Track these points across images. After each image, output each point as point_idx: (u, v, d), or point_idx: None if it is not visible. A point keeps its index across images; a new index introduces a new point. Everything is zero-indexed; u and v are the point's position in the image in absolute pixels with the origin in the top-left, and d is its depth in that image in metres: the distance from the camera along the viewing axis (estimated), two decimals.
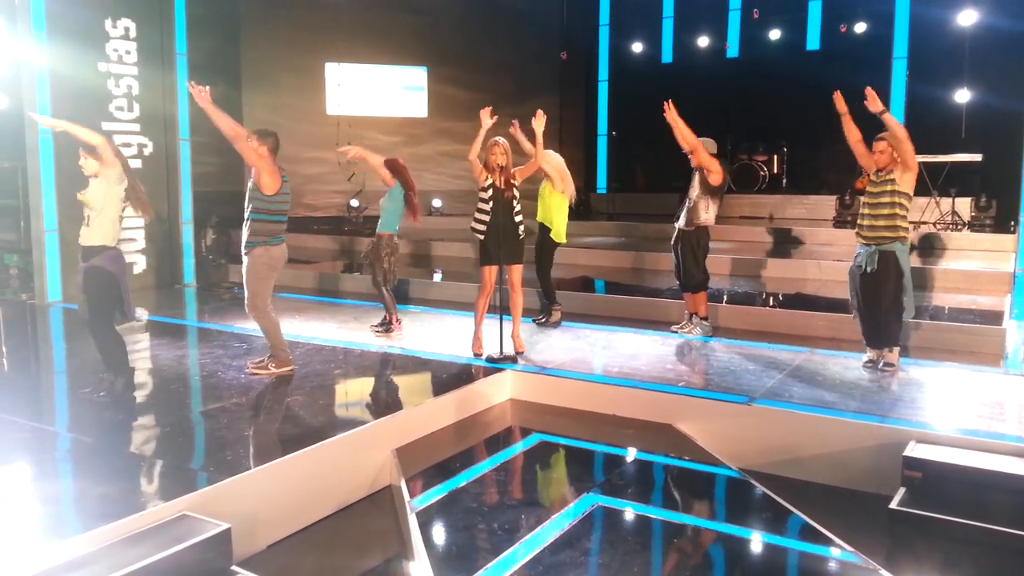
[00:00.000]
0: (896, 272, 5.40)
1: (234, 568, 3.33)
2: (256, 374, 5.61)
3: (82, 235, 5.02)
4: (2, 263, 10.51)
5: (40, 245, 8.57)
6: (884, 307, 5.48)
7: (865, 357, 5.78)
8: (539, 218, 7.19)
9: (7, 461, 4.14)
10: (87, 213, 5.01)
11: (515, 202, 5.95)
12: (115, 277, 5.08)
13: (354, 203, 13.18)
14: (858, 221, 5.60)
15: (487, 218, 5.90)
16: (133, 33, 9.20)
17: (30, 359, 6.87)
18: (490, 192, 5.89)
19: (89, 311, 5.09)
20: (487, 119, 5.82)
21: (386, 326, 6.90)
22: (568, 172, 7.14)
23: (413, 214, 6.83)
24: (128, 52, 9.19)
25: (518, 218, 5.98)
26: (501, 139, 5.88)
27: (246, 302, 5.50)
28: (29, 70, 8.38)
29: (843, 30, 13.26)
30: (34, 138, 8.42)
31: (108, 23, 8.97)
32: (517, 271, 6.07)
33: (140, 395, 5.36)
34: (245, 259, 5.43)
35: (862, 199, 5.64)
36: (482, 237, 5.95)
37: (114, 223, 5.06)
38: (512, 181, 5.92)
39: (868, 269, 5.44)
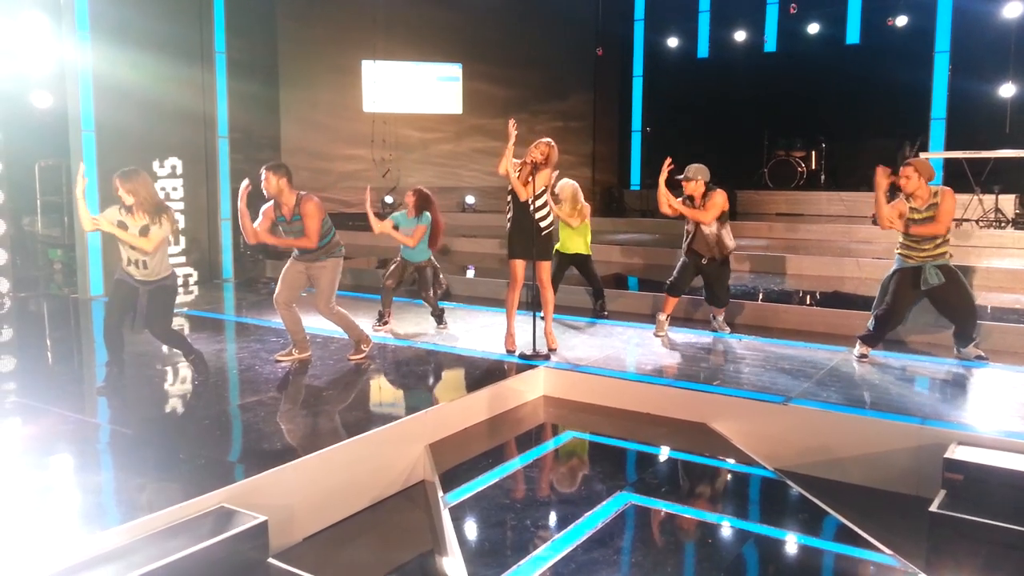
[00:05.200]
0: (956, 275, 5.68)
1: (270, 560, 3.37)
2: (358, 359, 5.96)
3: (141, 274, 5.23)
4: (46, 258, 10.76)
5: (83, 241, 8.75)
6: (966, 308, 5.74)
7: (858, 351, 5.90)
8: (576, 249, 7.50)
9: (50, 452, 4.24)
10: (141, 258, 5.19)
11: (534, 199, 5.92)
12: (175, 291, 5.54)
13: (388, 199, 13.26)
14: (909, 241, 5.70)
15: (509, 213, 5.97)
16: (180, 170, 9.46)
17: (73, 352, 7.02)
18: (511, 186, 5.90)
19: (161, 322, 5.42)
20: (512, 131, 5.76)
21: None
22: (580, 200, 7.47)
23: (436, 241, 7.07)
24: (175, 188, 9.44)
25: (538, 215, 5.89)
26: (547, 140, 5.87)
27: (326, 303, 5.85)
28: (72, 69, 8.55)
29: (890, 23, 13.00)
30: (77, 137, 8.59)
31: (156, 163, 9.21)
32: (545, 268, 6.06)
33: (179, 389, 5.45)
34: (323, 265, 5.76)
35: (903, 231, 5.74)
36: (508, 230, 6.03)
37: (166, 253, 5.42)
38: (529, 178, 5.81)
39: (934, 283, 5.57)
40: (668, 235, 11.71)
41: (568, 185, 7.37)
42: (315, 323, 6.49)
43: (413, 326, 7.13)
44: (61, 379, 5.89)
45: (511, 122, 5.77)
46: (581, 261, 7.60)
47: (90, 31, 8.50)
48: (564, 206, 7.32)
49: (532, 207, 5.85)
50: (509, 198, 5.96)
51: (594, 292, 7.85)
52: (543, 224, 5.96)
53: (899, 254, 5.80)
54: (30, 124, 9.91)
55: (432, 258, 7.09)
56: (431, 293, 7.01)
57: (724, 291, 6.83)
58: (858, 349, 5.89)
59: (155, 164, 9.23)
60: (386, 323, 7.07)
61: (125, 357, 5.46)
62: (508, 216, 6.02)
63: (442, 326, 7.07)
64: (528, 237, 5.87)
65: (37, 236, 10.92)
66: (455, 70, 14.88)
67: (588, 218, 7.50)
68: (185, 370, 5.80)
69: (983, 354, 5.79)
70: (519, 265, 6.00)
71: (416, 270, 7.04)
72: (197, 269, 9.79)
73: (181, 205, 9.53)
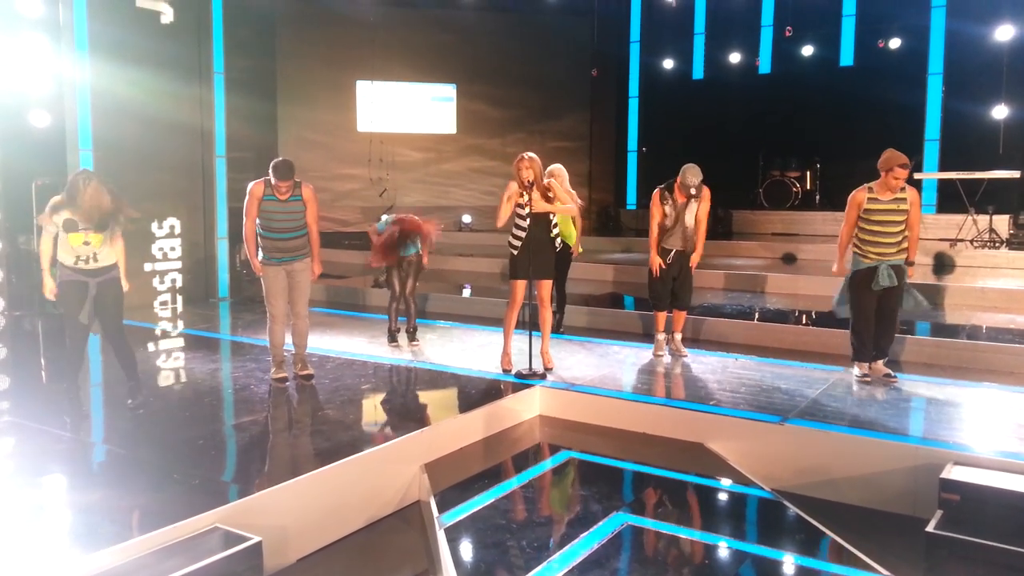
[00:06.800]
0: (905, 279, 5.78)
1: None
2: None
3: (90, 266, 5.14)
4: (42, 277, 10.74)
5: None
6: (897, 315, 5.84)
7: (858, 372, 5.91)
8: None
9: (44, 471, 4.22)
10: (91, 252, 5.12)
11: (551, 216, 5.94)
12: (120, 283, 5.36)
13: (385, 217, 13.28)
14: (874, 240, 5.68)
15: (523, 234, 5.87)
16: (178, 230, 9.51)
17: (67, 371, 6.97)
18: (527, 209, 5.86)
19: (115, 319, 5.32)
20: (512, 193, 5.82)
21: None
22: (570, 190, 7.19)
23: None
24: (173, 248, 9.47)
25: (554, 232, 5.98)
26: (528, 154, 5.83)
27: (307, 305, 5.94)
28: (71, 88, 8.57)
29: (880, 45, 13.15)
30: (75, 156, 8.59)
31: (155, 224, 9.25)
32: (546, 287, 6.05)
33: (174, 408, 5.42)
34: (304, 266, 5.82)
35: (868, 224, 5.71)
36: (515, 252, 5.94)
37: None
38: (549, 194, 5.87)
39: (885, 284, 5.63)
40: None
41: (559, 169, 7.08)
42: (314, 343, 6.48)
43: (408, 345, 7.11)
44: (55, 398, 5.86)
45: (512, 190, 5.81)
46: (562, 252, 7.14)
47: (89, 50, 8.53)
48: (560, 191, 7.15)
49: (551, 223, 5.92)
50: (525, 222, 5.84)
51: (556, 299, 7.42)
52: (556, 241, 6.04)
53: (856, 254, 5.78)
54: (28, 143, 9.90)
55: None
56: (414, 287, 7.15)
57: (690, 289, 6.68)
58: (856, 370, 5.89)
59: (153, 225, 9.24)
60: (396, 343, 7.11)
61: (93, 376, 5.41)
62: (516, 236, 5.92)
63: (414, 343, 7.10)
64: (537, 257, 5.87)
65: (33, 255, 10.90)
66: (449, 90, 14.97)
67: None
68: (180, 389, 5.78)
69: (892, 373, 5.83)
70: (522, 285, 5.97)
71: (408, 262, 7.12)
72: (192, 287, 9.76)
73: (179, 264, 9.53)
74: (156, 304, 9.25)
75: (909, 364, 6.47)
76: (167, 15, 9.14)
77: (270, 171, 5.58)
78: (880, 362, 5.85)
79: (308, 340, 6.04)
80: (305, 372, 5.95)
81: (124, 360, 5.41)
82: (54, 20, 8.69)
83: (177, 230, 9.51)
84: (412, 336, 7.14)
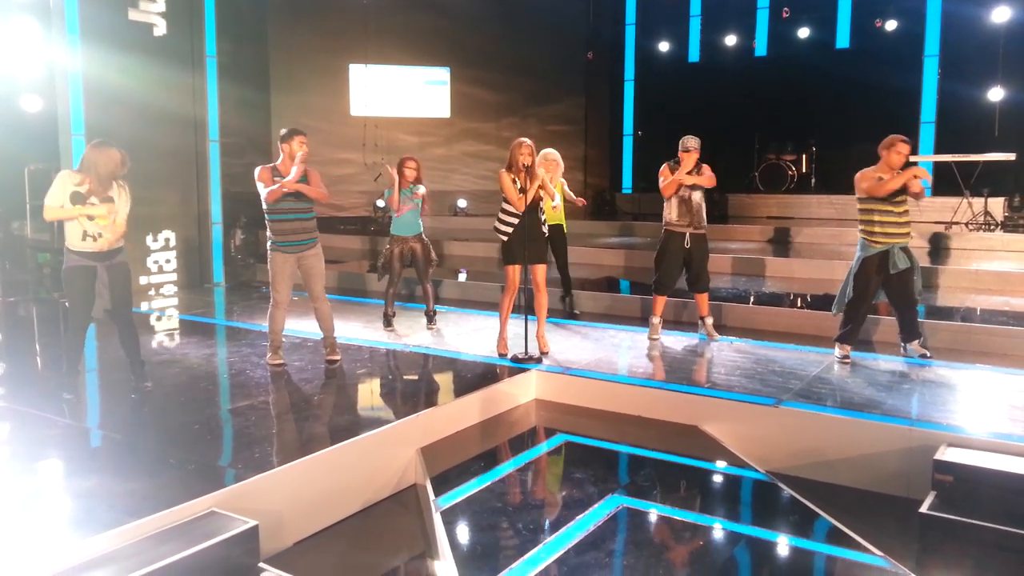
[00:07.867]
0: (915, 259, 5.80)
1: (261, 565, 3.36)
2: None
3: (96, 246, 5.00)
4: (35, 262, 10.71)
5: None
6: (916, 298, 5.85)
7: (839, 353, 5.93)
8: (555, 220, 7.26)
9: (39, 457, 4.21)
10: (98, 229, 4.98)
11: (540, 202, 5.95)
12: (129, 266, 5.31)
13: (380, 203, 13.25)
14: (885, 220, 5.67)
15: (512, 219, 5.88)
16: (173, 242, 9.49)
17: (62, 356, 6.97)
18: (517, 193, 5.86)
19: (126, 304, 5.26)
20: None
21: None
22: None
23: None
24: (168, 261, 9.46)
25: (542, 217, 5.98)
26: (527, 140, 5.85)
27: (324, 290, 6.05)
28: (62, 73, 8.51)
29: (878, 24, 13.12)
30: (67, 140, 8.55)
31: (149, 237, 9.22)
32: (541, 271, 6.05)
33: (170, 393, 5.42)
34: (316, 252, 5.92)
35: (880, 205, 5.69)
36: (505, 237, 5.92)
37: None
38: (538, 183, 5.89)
39: (903, 266, 5.66)
40: (659, 238, 11.73)
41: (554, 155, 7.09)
42: (311, 327, 6.49)
43: (405, 329, 7.12)
44: (50, 383, 5.85)
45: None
46: (558, 235, 7.33)
47: (80, 35, 8.46)
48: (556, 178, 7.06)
49: (540, 209, 5.92)
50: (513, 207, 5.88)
51: (562, 282, 7.75)
52: (545, 227, 6.03)
53: (865, 240, 5.77)
54: (20, 128, 9.86)
55: (423, 232, 7.13)
56: (428, 272, 7.11)
57: (706, 270, 6.68)
58: (838, 351, 5.92)
59: (148, 238, 9.21)
60: (392, 328, 7.11)
61: (102, 363, 5.39)
62: (508, 221, 5.92)
63: (432, 326, 7.13)
64: (528, 242, 5.86)
65: (26, 240, 10.86)
66: (443, 74, 14.90)
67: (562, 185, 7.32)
68: (176, 374, 5.78)
69: (928, 352, 5.91)
70: (516, 270, 5.98)
71: (411, 248, 7.03)
72: (187, 273, 9.74)
73: (174, 276, 9.51)
74: (150, 289, 9.24)
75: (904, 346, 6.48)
76: (159, 27, 9.08)
77: (286, 135, 5.71)
78: (916, 342, 5.92)
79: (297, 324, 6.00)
80: (332, 357, 5.98)
81: (129, 345, 5.37)
82: (44, 5, 8.63)
83: (172, 242, 9.49)
84: (431, 319, 7.20)
